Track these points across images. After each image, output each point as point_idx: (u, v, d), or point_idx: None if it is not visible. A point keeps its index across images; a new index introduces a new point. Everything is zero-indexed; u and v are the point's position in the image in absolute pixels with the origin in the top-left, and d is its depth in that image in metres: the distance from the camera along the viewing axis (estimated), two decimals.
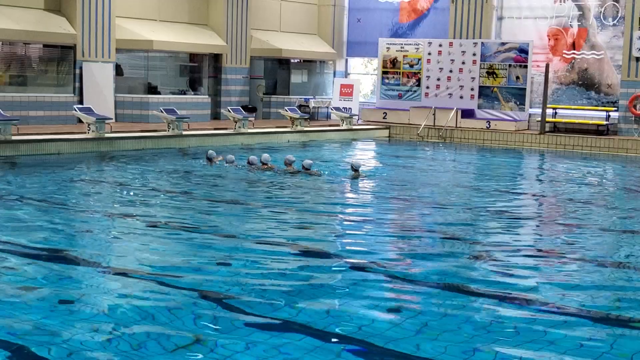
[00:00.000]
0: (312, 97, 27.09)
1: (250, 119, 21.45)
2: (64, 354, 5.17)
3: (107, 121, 18.02)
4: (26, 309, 6.06)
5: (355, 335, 5.70)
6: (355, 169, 14.32)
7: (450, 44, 25.17)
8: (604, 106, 23.42)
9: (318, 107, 26.74)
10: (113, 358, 5.14)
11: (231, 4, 24.77)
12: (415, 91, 25.78)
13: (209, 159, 15.60)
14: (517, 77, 24.10)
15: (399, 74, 26.07)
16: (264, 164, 14.90)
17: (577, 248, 9.24)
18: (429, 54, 25.48)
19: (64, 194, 12.08)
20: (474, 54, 24.64)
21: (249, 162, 15.16)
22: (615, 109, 23.10)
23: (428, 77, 25.52)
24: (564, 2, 24.11)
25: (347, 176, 14.33)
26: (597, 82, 23.77)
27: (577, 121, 23.34)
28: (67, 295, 6.50)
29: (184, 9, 24.14)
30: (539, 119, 23.21)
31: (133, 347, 5.34)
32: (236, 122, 20.73)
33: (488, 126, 23.85)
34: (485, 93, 24.59)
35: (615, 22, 23.44)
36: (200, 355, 5.25)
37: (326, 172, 14.74)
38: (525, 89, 24.03)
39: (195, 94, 24.18)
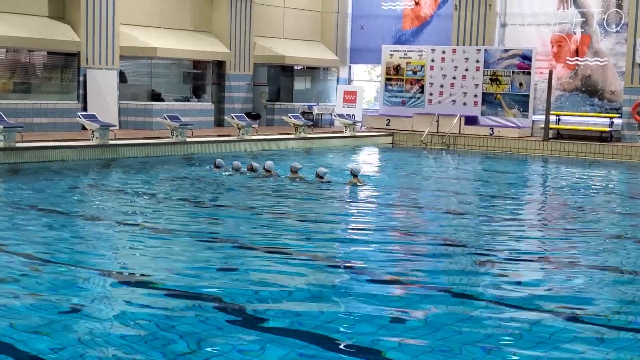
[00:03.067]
0: (315, 104, 27.11)
1: (253, 126, 21.48)
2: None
3: (110, 128, 18.04)
4: (32, 316, 6.07)
5: (358, 342, 5.70)
6: (354, 174, 14.30)
7: (454, 51, 25.19)
8: (608, 113, 23.42)
9: (321, 114, 26.76)
10: None
11: (235, 11, 24.83)
12: (418, 98, 25.79)
13: (217, 167, 15.60)
14: (521, 84, 24.11)
15: (402, 80, 26.09)
16: (267, 170, 14.91)
17: (582, 254, 9.23)
18: (432, 60, 25.50)
19: (67, 201, 12.09)
20: (477, 61, 24.66)
21: (250, 169, 15.16)
22: (619, 115, 23.09)
23: (431, 83, 25.53)
24: (567, 8, 24.13)
25: (347, 182, 14.30)
26: (600, 89, 23.78)
27: (580, 128, 23.34)
28: (72, 302, 6.51)
29: (187, 16, 24.20)
30: (543, 125, 23.20)
31: (138, 353, 5.34)
32: (240, 129, 20.75)
33: (491, 133, 23.84)
34: (488, 100, 24.59)
35: (618, 28, 23.46)
36: None
37: (333, 180, 14.71)
38: (528, 95, 24.03)
39: (198, 101, 24.22)
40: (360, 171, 14.56)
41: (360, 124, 25.16)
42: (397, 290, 7.33)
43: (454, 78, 25.09)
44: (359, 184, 14.16)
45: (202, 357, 5.34)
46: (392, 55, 26.27)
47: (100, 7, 21.16)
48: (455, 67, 25.06)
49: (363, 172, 15.10)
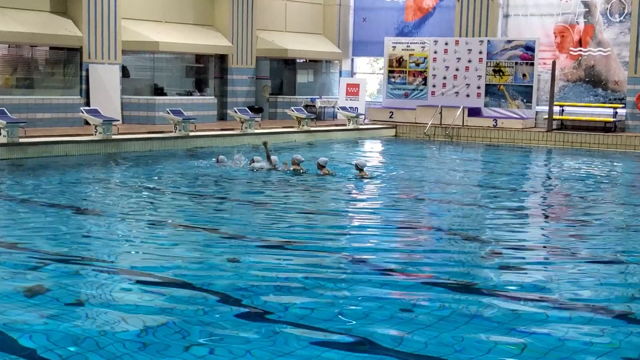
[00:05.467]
0: (318, 97, 27.09)
1: (256, 119, 21.47)
2: (73, 355, 5.17)
3: (113, 123, 18.04)
4: (35, 311, 6.06)
5: (363, 334, 5.69)
6: (360, 168, 14.27)
7: (456, 42, 25.13)
8: (611, 103, 23.37)
9: (324, 107, 26.74)
10: (122, 358, 5.15)
11: (236, 4, 24.78)
12: (421, 90, 25.75)
13: (219, 162, 15.58)
14: (524, 75, 24.05)
15: (405, 72, 26.05)
16: (271, 164, 14.90)
17: (586, 245, 9.21)
18: (435, 52, 25.45)
19: (71, 195, 12.09)
20: (480, 52, 24.60)
21: (253, 162, 15.14)
22: (623, 105, 23.05)
23: (434, 75, 25.48)
24: None
25: (352, 176, 14.28)
26: (604, 79, 23.72)
27: (584, 118, 23.29)
28: (76, 296, 6.51)
29: (189, 10, 24.17)
30: (546, 116, 23.16)
31: (142, 347, 5.33)
32: (242, 122, 20.74)
33: (495, 124, 23.80)
34: (491, 91, 24.55)
35: (621, 18, 23.38)
36: (208, 354, 5.24)
37: (336, 172, 14.68)
38: (531, 86, 23.99)
39: (201, 95, 24.20)
40: (365, 165, 14.53)
41: (363, 116, 25.14)
42: (403, 282, 7.31)
43: (457, 70, 25.05)
44: (364, 177, 14.13)
45: (207, 350, 5.33)
46: (394, 47, 26.23)
47: (102, 2, 21.14)
48: (458, 58, 25.01)
49: (367, 165, 15.06)
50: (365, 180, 13.99)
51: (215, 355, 5.26)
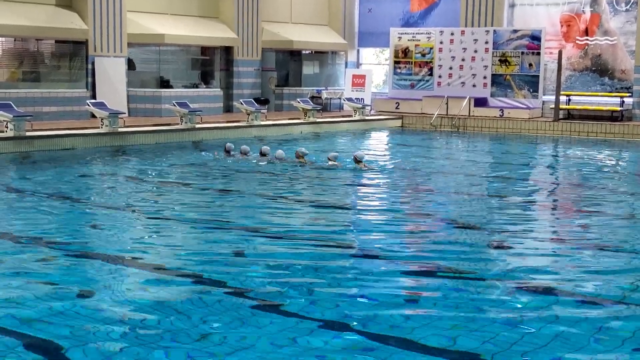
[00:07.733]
0: (324, 88, 27.06)
1: (262, 111, 21.46)
2: (81, 346, 5.20)
3: (120, 116, 18.06)
4: (46, 303, 6.09)
5: (368, 326, 5.70)
6: (358, 160, 14.23)
7: (462, 33, 25.06)
8: (618, 92, 23.30)
9: (330, 98, 26.71)
10: (130, 350, 5.16)
11: None
12: (427, 80, 25.70)
13: (227, 152, 15.60)
14: (530, 65, 23.98)
15: (411, 63, 25.99)
16: (277, 159, 14.88)
17: (592, 235, 9.20)
18: (441, 42, 25.38)
19: (78, 188, 12.12)
20: (486, 42, 24.53)
21: (261, 154, 15.14)
22: (630, 94, 22.96)
23: (440, 66, 25.42)
24: None
25: (352, 168, 14.24)
26: (610, 68, 23.64)
27: (591, 108, 23.22)
28: (84, 288, 6.53)
29: (194, 2, 24.15)
30: (553, 106, 23.09)
31: (149, 339, 5.36)
32: (249, 114, 20.74)
33: (501, 114, 23.76)
34: (498, 81, 24.48)
35: (628, 7, 23.28)
36: (215, 347, 5.26)
37: (344, 164, 14.68)
38: (538, 76, 23.92)
39: (207, 87, 24.21)
40: (364, 157, 14.49)
41: (369, 107, 25.10)
42: (409, 273, 7.32)
43: (463, 60, 24.98)
44: (364, 168, 14.11)
45: (215, 342, 5.35)
46: (400, 38, 26.17)
47: None
48: (464, 48, 24.95)
49: (373, 156, 15.06)
50: (370, 172, 13.97)
51: (224, 345, 5.28)
